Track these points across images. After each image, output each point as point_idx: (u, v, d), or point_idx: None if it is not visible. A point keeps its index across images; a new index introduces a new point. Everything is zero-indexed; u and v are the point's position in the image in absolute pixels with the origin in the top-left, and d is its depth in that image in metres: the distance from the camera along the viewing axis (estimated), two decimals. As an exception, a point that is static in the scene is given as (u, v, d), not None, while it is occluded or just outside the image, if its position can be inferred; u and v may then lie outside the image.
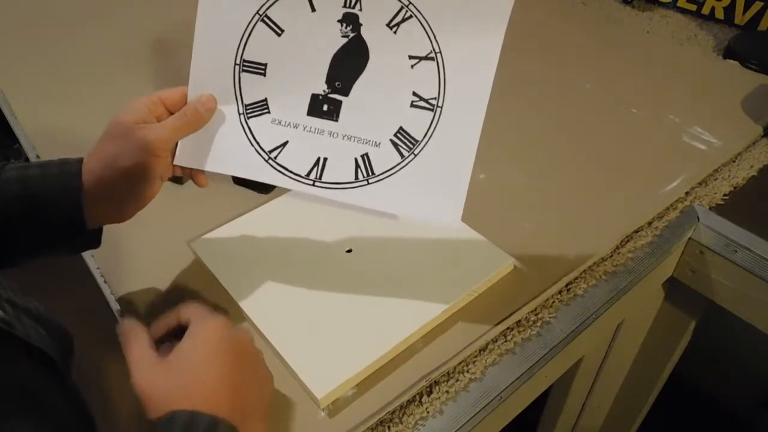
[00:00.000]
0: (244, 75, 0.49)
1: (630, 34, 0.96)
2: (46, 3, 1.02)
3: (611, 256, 0.61)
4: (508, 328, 0.53)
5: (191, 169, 0.50)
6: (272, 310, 0.52)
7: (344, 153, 0.49)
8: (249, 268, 0.56)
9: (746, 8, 0.92)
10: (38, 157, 0.72)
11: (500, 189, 0.63)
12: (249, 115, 0.49)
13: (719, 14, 0.96)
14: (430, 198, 0.49)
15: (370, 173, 0.49)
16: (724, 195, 0.67)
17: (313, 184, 0.49)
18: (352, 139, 0.49)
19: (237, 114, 0.49)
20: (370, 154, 0.49)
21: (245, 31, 0.48)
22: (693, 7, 0.98)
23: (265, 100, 0.49)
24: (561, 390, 0.81)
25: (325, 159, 0.49)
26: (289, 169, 0.49)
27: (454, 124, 0.48)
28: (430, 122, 0.49)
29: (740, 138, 0.74)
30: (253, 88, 0.49)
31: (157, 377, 0.39)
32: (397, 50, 0.48)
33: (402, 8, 0.47)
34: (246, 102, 0.49)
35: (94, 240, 0.49)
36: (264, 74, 0.49)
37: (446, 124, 0.48)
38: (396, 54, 0.48)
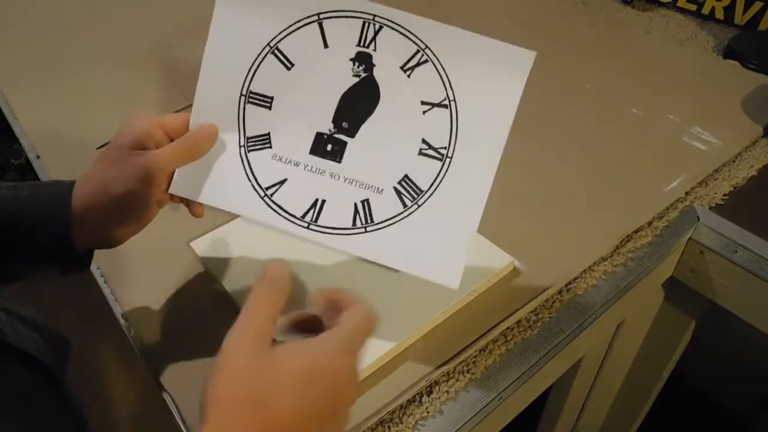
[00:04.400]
0: (249, 107, 0.47)
1: (630, 34, 0.96)
2: (47, 3, 1.02)
3: (611, 256, 0.61)
4: (508, 328, 0.53)
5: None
6: (272, 310, 0.52)
7: (344, 197, 0.47)
8: (249, 268, 0.56)
9: (746, 8, 0.92)
10: (38, 157, 0.72)
11: (500, 189, 0.63)
12: (250, 149, 0.47)
13: (719, 14, 0.96)
14: (427, 256, 0.46)
15: (369, 221, 0.47)
16: (724, 195, 0.67)
17: (308, 227, 0.47)
18: (354, 183, 0.47)
19: (237, 146, 0.47)
20: (371, 201, 0.47)
21: (254, 61, 0.46)
22: (693, 7, 0.98)
23: (268, 134, 0.47)
24: (561, 390, 0.80)
25: (323, 201, 0.47)
26: (285, 208, 0.47)
27: (462, 178, 0.46)
28: (437, 173, 0.46)
29: (740, 138, 0.74)
30: (257, 120, 0.47)
31: (256, 370, 0.31)
32: (409, 95, 0.46)
33: (418, 51, 0.45)
34: (248, 134, 0.47)
35: (84, 263, 0.47)
36: (269, 107, 0.47)
37: (454, 177, 0.46)
38: (408, 98, 0.46)
